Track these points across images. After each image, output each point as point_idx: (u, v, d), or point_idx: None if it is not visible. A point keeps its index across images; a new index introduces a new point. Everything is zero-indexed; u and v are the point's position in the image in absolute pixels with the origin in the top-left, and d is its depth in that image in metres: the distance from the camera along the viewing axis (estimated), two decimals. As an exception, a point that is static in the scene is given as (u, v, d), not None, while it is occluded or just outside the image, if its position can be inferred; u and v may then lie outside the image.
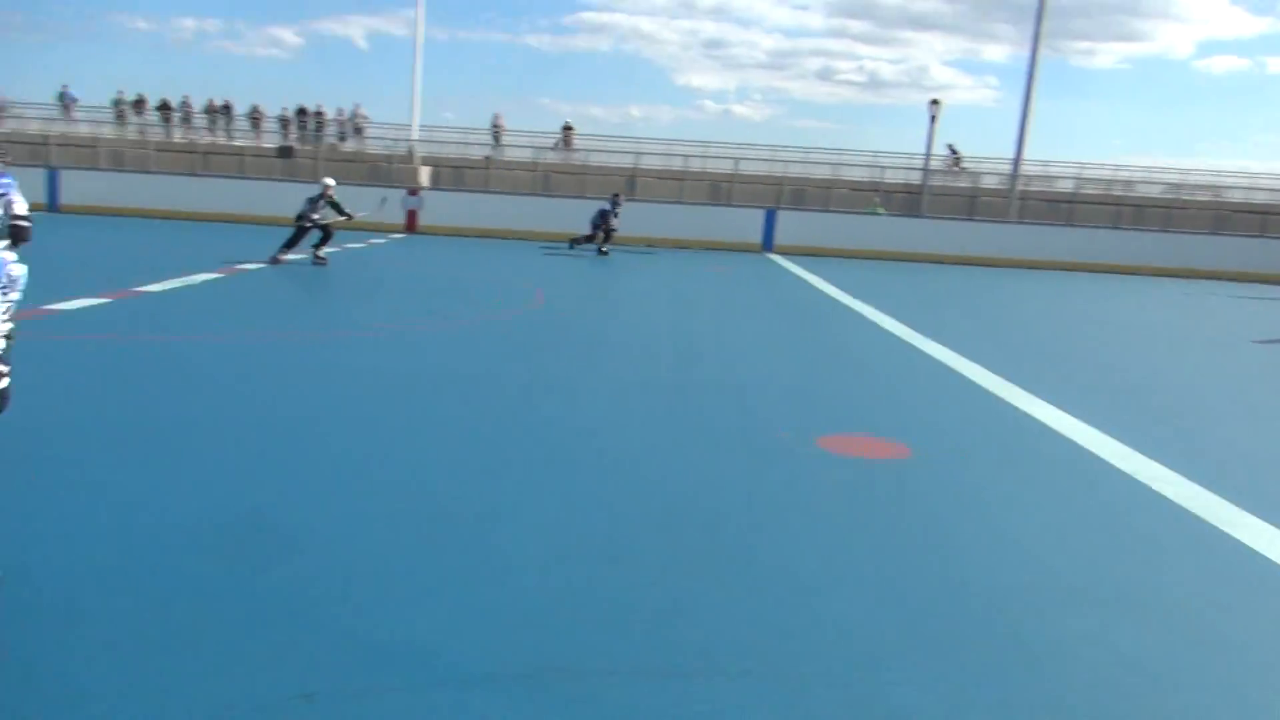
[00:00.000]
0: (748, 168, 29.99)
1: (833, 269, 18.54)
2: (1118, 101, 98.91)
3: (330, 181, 14.82)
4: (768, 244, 22.74)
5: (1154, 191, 31.87)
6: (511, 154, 31.72)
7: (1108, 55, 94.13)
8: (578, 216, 20.04)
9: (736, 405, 6.94)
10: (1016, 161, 27.21)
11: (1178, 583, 4.01)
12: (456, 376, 7.32)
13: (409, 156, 28.53)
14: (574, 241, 19.52)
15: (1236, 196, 30.89)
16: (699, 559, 3.95)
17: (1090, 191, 31.14)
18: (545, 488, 4.78)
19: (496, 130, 32.67)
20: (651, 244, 21.95)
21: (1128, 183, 32.17)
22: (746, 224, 22.96)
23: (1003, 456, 5.97)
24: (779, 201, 26.02)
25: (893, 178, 30.10)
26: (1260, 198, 29.95)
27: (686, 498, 4.74)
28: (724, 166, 29.76)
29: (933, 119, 27.40)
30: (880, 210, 26.12)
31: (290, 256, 14.23)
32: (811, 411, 6.89)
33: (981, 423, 6.83)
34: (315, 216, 14.38)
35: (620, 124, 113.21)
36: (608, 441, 5.78)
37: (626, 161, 30.03)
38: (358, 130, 32.57)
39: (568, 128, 33.06)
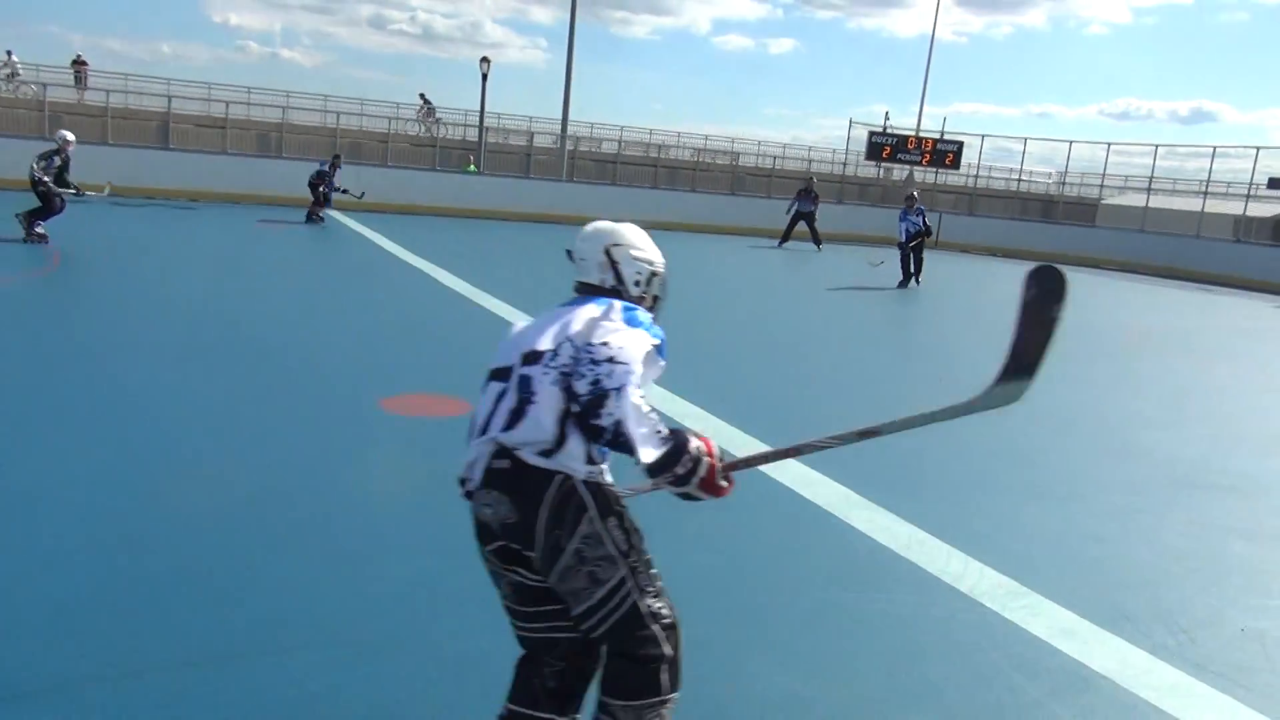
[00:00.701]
0: (299, 118, 28.45)
1: (393, 226, 18.37)
2: (653, 70, 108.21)
3: None
4: (330, 196, 21.87)
5: (684, 155, 35.44)
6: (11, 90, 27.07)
7: (642, 26, 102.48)
8: (103, 166, 17.72)
9: (296, 370, 6.75)
10: (564, 123, 28.75)
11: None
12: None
13: None
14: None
15: (749, 162, 35.40)
16: (261, 533, 3.86)
17: (632, 154, 33.85)
18: (78, 471, 4.34)
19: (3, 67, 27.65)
20: (195, 199, 20.12)
21: (662, 146, 35.42)
22: (300, 178, 21.86)
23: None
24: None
25: (451, 134, 30.33)
26: (766, 163, 34.60)
27: (241, 468, 4.58)
28: (273, 116, 27.93)
29: (484, 77, 27.95)
30: (473, 169, 26.54)
31: None
32: (373, 373, 6.91)
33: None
34: None
35: (148, 62, 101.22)
36: (148, 414, 5.34)
37: (158, 105, 26.98)
38: None
39: (79, 62, 28.91)
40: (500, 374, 2.32)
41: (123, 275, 10.95)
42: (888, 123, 34.73)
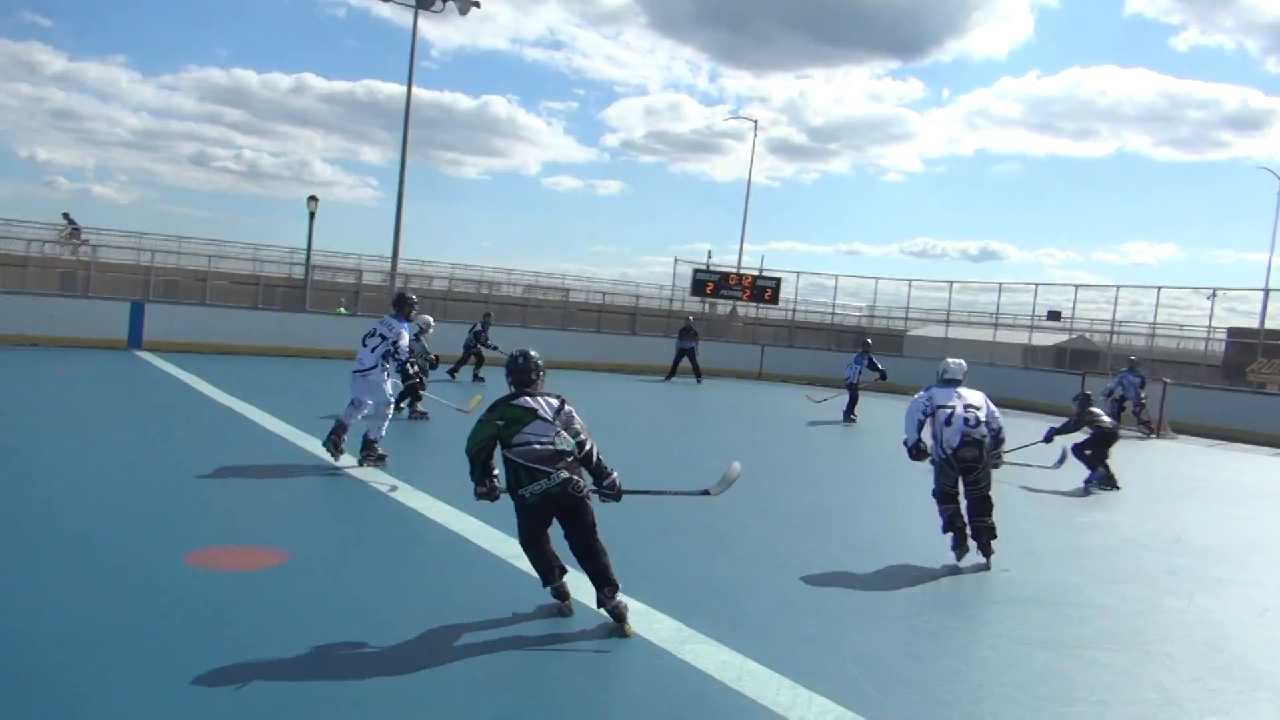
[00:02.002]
0: (109, 255, 27.24)
1: (212, 367, 17.54)
2: (483, 208, 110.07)
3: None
4: (135, 340, 20.77)
5: (515, 291, 35.93)
6: None
7: (472, 166, 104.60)
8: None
9: (94, 525, 6.27)
10: (394, 259, 28.70)
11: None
12: None
13: None
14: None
15: (579, 297, 36.21)
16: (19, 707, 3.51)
17: (463, 290, 34.02)
18: None
19: None
20: (-16, 341, 18.67)
21: (493, 283, 35.83)
22: (108, 318, 20.73)
23: (381, 550, 6.26)
24: (149, 294, 24.02)
25: (274, 271, 29.69)
26: (596, 299, 35.48)
27: (12, 636, 4.17)
28: (83, 253, 26.62)
29: (312, 215, 27.72)
30: (343, 310, 26.32)
31: None
32: (181, 526, 6.49)
33: (361, 519, 7.08)
34: None
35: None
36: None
37: (-52, 242, 25.27)
38: None
39: None
40: None
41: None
42: (710, 260, 36.54)
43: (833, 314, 34.39)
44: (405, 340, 9.25)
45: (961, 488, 7.03)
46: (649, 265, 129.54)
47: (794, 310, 33.76)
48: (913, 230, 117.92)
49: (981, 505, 6.99)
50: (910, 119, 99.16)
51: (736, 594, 5.85)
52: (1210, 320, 26.29)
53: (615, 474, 5.11)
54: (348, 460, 8.82)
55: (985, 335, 29.83)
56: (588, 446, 4.99)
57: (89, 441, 9.61)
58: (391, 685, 4.05)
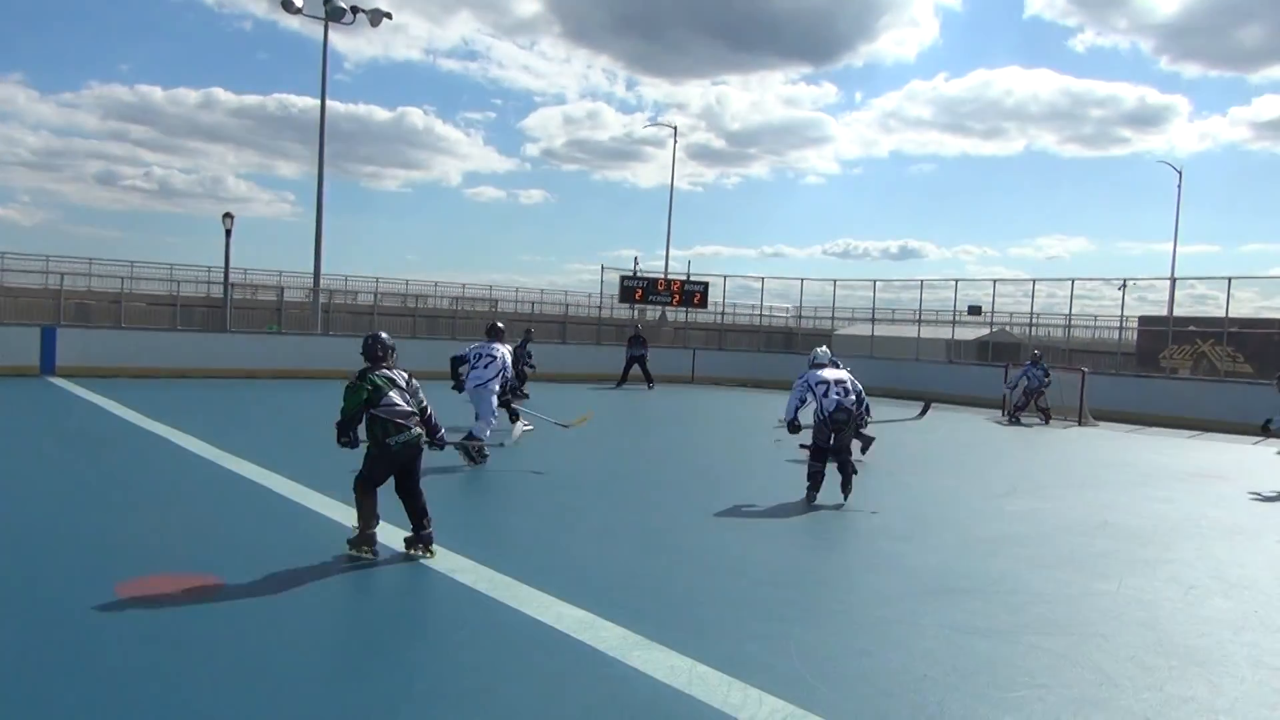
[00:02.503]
0: (16, 280, 26.21)
1: (131, 391, 16.97)
2: (406, 221, 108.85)
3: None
4: (48, 366, 20.00)
5: (442, 304, 35.58)
6: None
7: (392, 179, 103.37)
8: None
9: (18, 553, 6.00)
10: (316, 275, 28.17)
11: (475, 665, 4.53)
12: None
13: None
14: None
15: (507, 308, 36.02)
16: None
17: (389, 304, 33.57)
18: None
19: None
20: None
21: (419, 296, 35.39)
22: (18, 344, 19.92)
23: (313, 566, 6.11)
24: (59, 318, 23.15)
25: (192, 291, 28.90)
26: (525, 308, 35.33)
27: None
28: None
29: (228, 232, 27.10)
30: (274, 328, 26.31)
31: None
32: (107, 557, 6.25)
33: (295, 539, 6.90)
34: None
35: None
36: None
37: None
38: None
39: None
40: None
41: None
42: (637, 267, 36.62)
43: (761, 316, 34.76)
44: (509, 360, 11.27)
45: (832, 441, 9.24)
46: (577, 273, 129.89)
47: (722, 314, 34.03)
48: (834, 231, 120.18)
49: (843, 452, 9.32)
50: (826, 122, 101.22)
51: (681, 597, 5.86)
52: (1122, 310, 27.34)
53: (442, 430, 6.73)
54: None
55: (910, 332, 30.42)
56: (429, 410, 6.54)
57: (6, 472, 9.21)
58: (338, 702, 3.95)
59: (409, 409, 6.36)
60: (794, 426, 9.48)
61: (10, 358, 19.42)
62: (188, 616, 5.03)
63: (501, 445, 10.54)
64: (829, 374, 9.48)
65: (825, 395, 9.28)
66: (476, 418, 10.68)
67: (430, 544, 6.43)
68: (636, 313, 33.62)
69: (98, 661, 4.36)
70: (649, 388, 23.85)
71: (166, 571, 5.82)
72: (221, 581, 5.63)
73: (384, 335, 6.63)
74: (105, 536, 6.82)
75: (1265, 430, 13.43)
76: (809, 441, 9.48)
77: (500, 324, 11.71)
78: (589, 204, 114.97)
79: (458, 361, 11.27)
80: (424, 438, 6.47)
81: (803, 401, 9.45)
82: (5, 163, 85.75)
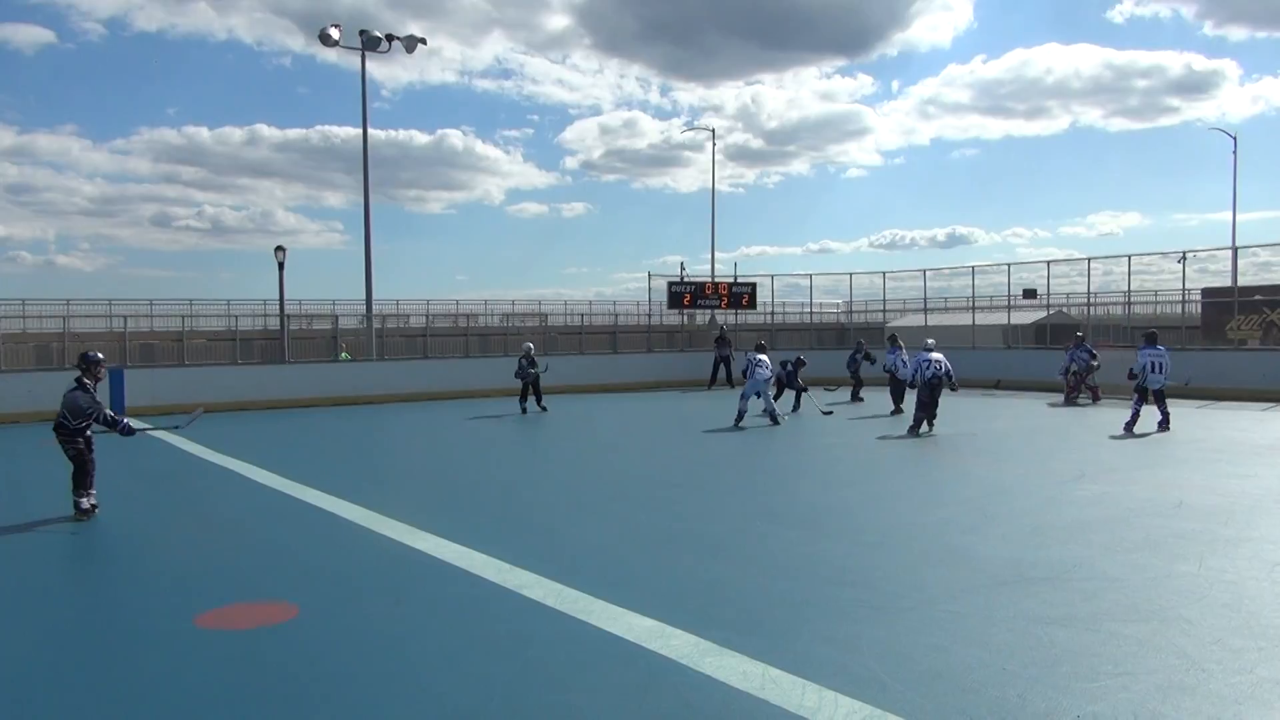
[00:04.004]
0: (81, 325, 27.01)
1: (197, 426, 17.37)
2: (452, 242, 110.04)
3: None
4: (118, 406, 20.55)
5: (493, 322, 35.89)
6: None
7: (436, 201, 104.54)
8: None
9: (99, 591, 6.17)
10: (369, 302, 28.60)
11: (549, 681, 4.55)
12: None
13: None
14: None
15: (557, 321, 36.22)
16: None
17: (441, 325, 33.93)
18: None
19: None
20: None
21: (471, 315, 35.75)
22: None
23: (392, 596, 6.18)
24: (125, 359, 23.81)
25: (250, 325, 29.51)
26: (575, 321, 35.45)
27: (31, 709, 4.08)
28: (52, 326, 26.37)
29: (281, 265, 27.61)
30: (346, 356, 27.40)
31: None
32: (185, 589, 6.40)
33: (368, 565, 7.00)
34: None
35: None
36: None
37: (-83, 326, 24.98)
38: None
39: None
40: None
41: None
42: (684, 272, 36.61)
43: (811, 313, 34.50)
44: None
45: (928, 397, 14.85)
46: (624, 282, 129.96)
47: (772, 313, 33.84)
48: (879, 223, 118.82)
49: (934, 407, 14.98)
50: (864, 114, 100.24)
51: (747, 601, 5.82)
52: (1184, 283, 26.51)
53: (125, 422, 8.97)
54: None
55: (964, 319, 29.97)
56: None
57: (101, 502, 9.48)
58: (415, 730, 4.00)
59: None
60: (912, 384, 15.36)
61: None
62: (265, 642, 5.13)
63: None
64: (934, 355, 15.02)
65: (928, 368, 14.83)
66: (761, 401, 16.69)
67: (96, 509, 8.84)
68: (685, 318, 33.60)
69: (178, 691, 4.46)
70: (731, 387, 25.42)
71: (242, 600, 5.94)
72: (296, 608, 5.73)
73: (96, 353, 8.99)
74: (184, 566, 6.98)
75: None
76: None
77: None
78: (631, 213, 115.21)
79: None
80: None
81: (915, 370, 15.10)
82: (64, 212, 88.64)
